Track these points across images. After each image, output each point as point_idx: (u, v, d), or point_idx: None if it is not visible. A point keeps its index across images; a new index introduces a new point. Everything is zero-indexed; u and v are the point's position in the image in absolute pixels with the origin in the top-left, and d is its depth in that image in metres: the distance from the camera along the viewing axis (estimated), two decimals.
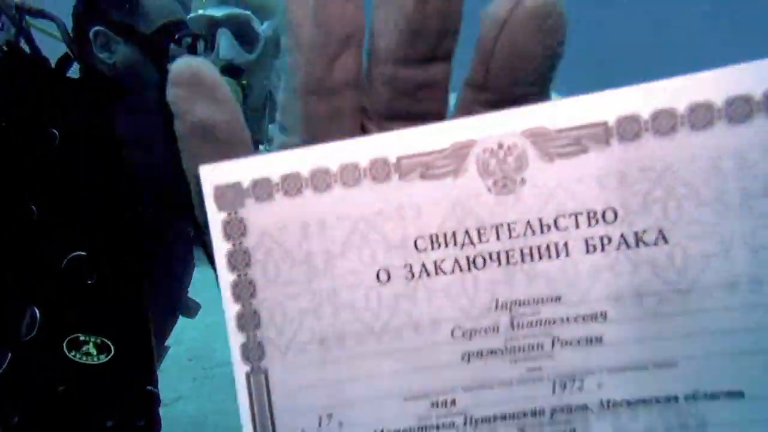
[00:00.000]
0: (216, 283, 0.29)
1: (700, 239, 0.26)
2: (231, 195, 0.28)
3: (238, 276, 0.28)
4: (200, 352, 2.74)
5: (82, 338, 0.89)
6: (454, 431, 0.27)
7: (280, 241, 0.28)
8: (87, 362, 0.88)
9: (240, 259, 0.28)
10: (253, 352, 0.28)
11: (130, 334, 0.95)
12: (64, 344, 0.88)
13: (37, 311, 0.90)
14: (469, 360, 0.27)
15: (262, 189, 0.28)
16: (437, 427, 0.28)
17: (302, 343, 0.28)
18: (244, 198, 0.28)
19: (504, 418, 0.27)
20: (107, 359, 0.90)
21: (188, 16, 1.18)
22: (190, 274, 1.42)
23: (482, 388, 0.27)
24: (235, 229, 0.28)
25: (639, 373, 0.27)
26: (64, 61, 1.16)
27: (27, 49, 1.15)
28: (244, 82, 1.18)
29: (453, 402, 0.27)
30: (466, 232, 0.27)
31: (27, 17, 1.17)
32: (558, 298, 0.27)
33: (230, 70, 1.16)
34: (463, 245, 0.27)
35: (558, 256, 0.27)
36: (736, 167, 0.26)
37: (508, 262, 0.27)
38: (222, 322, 0.29)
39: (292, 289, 0.28)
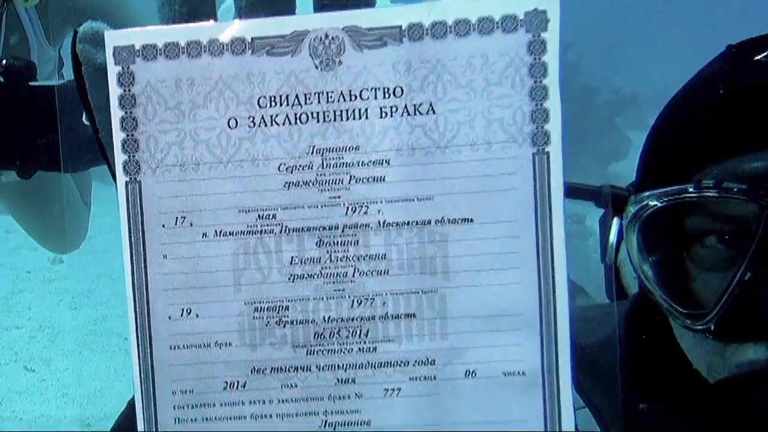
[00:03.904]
0: None
1: (456, 112, 0.37)
2: (125, 54, 0.38)
3: (125, 113, 0.38)
4: None
5: None
6: (272, 236, 0.38)
7: (159, 90, 0.38)
8: None
9: (127, 101, 0.38)
10: (131, 167, 0.38)
11: None
12: None
13: None
14: (288, 187, 0.38)
15: (149, 52, 0.38)
16: (260, 232, 0.38)
17: (168, 165, 0.38)
18: (135, 57, 0.38)
19: (309, 229, 0.38)
20: None
21: None
22: None
23: (296, 208, 0.38)
24: (126, 79, 0.38)
25: (407, 204, 0.38)
26: None
27: None
28: None
29: (273, 216, 0.38)
30: (296, 96, 0.38)
31: None
32: (357, 148, 0.38)
33: None
34: (293, 105, 0.38)
35: (359, 118, 0.38)
36: (481, 63, 0.37)
37: (324, 119, 0.38)
38: None
39: (163, 126, 0.38)
